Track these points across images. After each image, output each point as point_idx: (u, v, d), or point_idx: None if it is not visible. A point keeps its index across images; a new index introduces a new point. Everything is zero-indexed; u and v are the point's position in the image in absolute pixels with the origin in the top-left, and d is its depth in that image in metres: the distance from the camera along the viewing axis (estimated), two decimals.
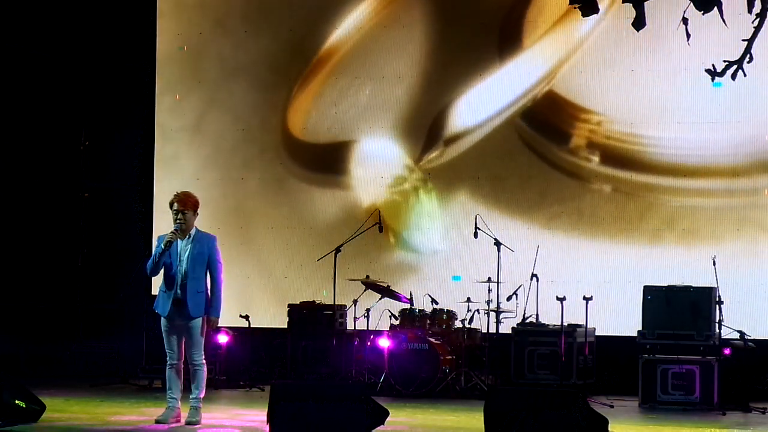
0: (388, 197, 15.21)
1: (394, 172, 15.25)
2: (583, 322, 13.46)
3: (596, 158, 14.56)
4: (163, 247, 10.41)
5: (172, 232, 10.45)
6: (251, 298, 15.20)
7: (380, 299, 13.97)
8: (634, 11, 8.21)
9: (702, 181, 14.16)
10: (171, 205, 10.54)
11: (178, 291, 10.45)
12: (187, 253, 10.47)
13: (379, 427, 8.95)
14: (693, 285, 13.00)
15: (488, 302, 13.75)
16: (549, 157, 14.72)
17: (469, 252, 14.66)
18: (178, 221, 10.47)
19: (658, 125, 14.29)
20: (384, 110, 15.26)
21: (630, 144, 14.43)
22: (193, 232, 10.54)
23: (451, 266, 14.86)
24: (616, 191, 14.45)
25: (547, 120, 14.75)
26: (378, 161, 15.28)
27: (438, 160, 15.12)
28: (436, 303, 13.97)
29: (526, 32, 14.79)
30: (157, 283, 11.82)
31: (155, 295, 10.84)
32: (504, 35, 14.89)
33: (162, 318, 10.55)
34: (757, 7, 8.30)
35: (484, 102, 14.95)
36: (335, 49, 15.50)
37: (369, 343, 13.76)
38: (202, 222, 10.73)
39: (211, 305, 10.51)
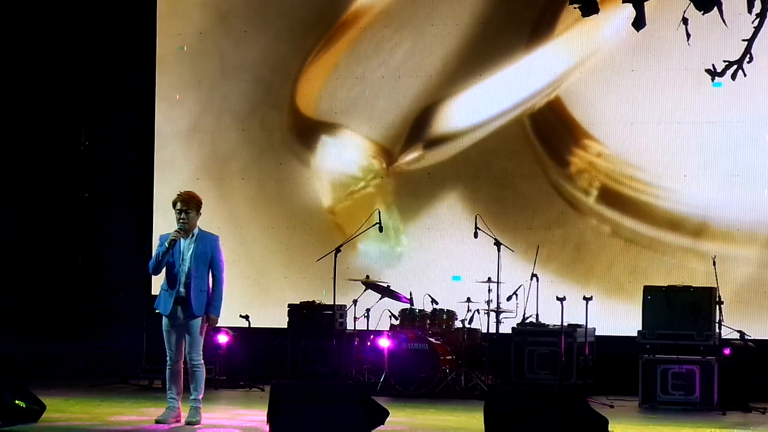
0: (349, 199, 15.24)
1: (366, 172, 15.32)
2: (583, 322, 13.46)
3: (594, 193, 14.53)
4: (166, 246, 10.41)
5: (175, 231, 10.46)
6: (251, 298, 15.20)
7: (380, 299, 13.96)
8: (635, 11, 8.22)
9: (703, 183, 14.17)
10: (174, 204, 10.55)
11: (182, 290, 10.45)
12: (190, 252, 10.48)
13: (379, 427, 8.95)
14: (693, 285, 13.00)
15: (488, 302, 13.75)
16: (549, 177, 14.71)
17: (469, 252, 14.67)
18: (181, 221, 10.48)
19: (659, 124, 14.30)
20: (378, 109, 15.26)
21: (629, 189, 14.39)
22: (196, 231, 10.55)
23: (451, 266, 14.86)
24: (615, 235, 14.38)
25: (549, 132, 14.71)
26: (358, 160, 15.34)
27: (417, 162, 15.12)
28: (436, 303, 13.97)
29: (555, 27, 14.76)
30: (157, 283, 11.83)
31: (155, 295, 10.84)
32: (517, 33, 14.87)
33: (163, 317, 10.55)
34: (757, 7, 8.30)
35: (483, 103, 14.94)
36: (335, 48, 15.50)
37: (369, 343, 13.76)
38: (202, 222, 10.73)
39: (212, 304, 10.51)
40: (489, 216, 14.25)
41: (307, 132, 15.58)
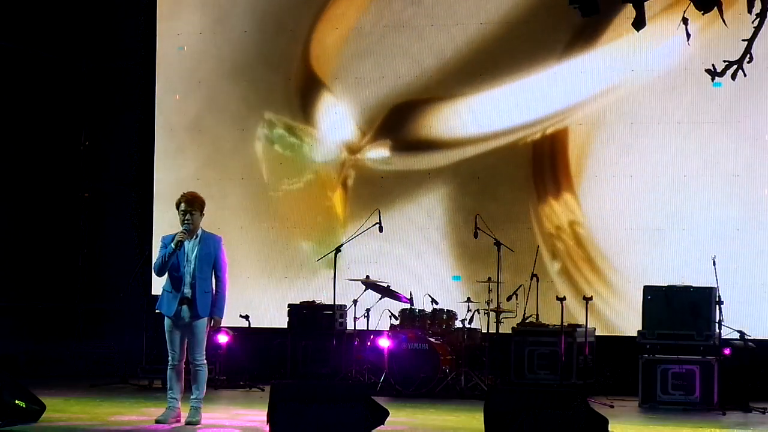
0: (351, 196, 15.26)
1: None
2: (583, 322, 13.46)
3: (558, 265, 14.48)
4: (173, 247, 10.39)
5: (181, 232, 10.43)
6: (251, 298, 15.20)
7: (380, 299, 13.96)
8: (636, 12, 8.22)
9: (701, 182, 14.17)
10: (178, 205, 10.53)
11: (187, 291, 10.44)
12: (194, 253, 10.46)
13: (379, 427, 8.95)
14: (693, 285, 12.99)
15: (488, 302, 13.76)
16: (530, 207, 14.72)
17: (469, 252, 14.67)
18: (186, 222, 10.46)
19: (659, 124, 14.30)
20: (377, 108, 15.29)
21: (584, 281, 14.35)
22: (199, 232, 10.53)
23: (451, 266, 14.87)
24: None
25: (542, 167, 14.70)
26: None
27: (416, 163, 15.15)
28: (436, 303, 13.97)
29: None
30: (156, 283, 11.82)
31: (155, 295, 10.83)
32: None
33: (166, 318, 10.53)
34: (757, 7, 8.31)
35: (490, 114, 14.90)
36: (335, 49, 15.51)
37: (369, 343, 13.76)
38: (202, 222, 10.72)
39: (216, 305, 10.49)
40: (488, 215, 14.26)
41: (307, 131, 15.59)
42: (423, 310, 13.89)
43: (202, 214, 10.56)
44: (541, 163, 14.70)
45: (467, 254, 14.73)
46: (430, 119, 15.11)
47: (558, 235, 14.51)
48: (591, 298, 13.32)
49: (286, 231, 15.50)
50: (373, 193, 15.17)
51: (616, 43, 14.41)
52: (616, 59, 14.45)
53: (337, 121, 15.41)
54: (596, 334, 13.87)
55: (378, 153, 15.26)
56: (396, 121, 15.23)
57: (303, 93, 15.58)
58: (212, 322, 10.51)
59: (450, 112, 15.02)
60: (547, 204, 14.62)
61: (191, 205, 10.49)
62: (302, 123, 15.55)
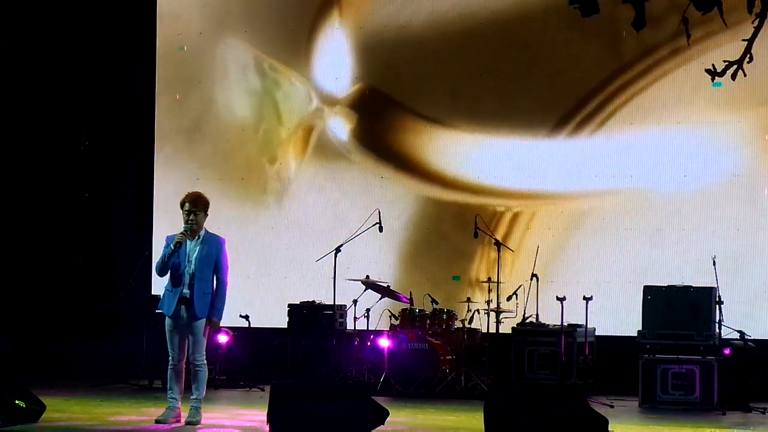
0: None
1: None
2: (583, 322, 13.46)
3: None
4: (172, 247, 10.40)
5: (181, 232, 10.43)
6: (251, 298, 15.20)
7: (380, 299, 13.96)
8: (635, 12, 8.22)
9: (701, 182, 14.17)
10: (182, 204, 10.53)
11: (186, 290, 10.43)
12: (195, 253, 10.45)
13: (379, 427, 8.95)
14: (693, 285, 12.99)
15: (488, 302, 13.76)
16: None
17: (469, 252, 14.67)
18: (189, 221, 10.46)
19: (659, 124, 14.31)
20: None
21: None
22: (202, 233, 10.53)
23: (452, 266, 14.87)
24: None
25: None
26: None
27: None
28: (436, 303, 13.97)
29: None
30: (157, 283, 11.83)
31: (155, 296, 10.83)
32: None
33: (166, 317, 10.53)
34: (757, 7, 8.31)
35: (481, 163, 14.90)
36: (334, 49, 15.52)
37: (369, 343, 13.76)
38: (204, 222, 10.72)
39: (215, 307, 10.48)
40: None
41: (308, 131, 15.61)
42: (423, 310, 13.90)
43: (206, 215, 10.56)
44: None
45: (466, 254, 14.74)
46: (419, 134, 15.13)
47: (482, 287, 14.44)
48: (591, 298, 13.31)
49: (286, 231, 15.50)
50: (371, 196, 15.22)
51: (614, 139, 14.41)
52: (606, 160, 14.43)
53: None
54: (596, 334, 13.88)
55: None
56: (383, 122, 15.27)
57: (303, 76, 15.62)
58: (210, 324, 10.49)
59: (438, 136, 15.02)
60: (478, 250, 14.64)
61: (195, 205, 10.49)
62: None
